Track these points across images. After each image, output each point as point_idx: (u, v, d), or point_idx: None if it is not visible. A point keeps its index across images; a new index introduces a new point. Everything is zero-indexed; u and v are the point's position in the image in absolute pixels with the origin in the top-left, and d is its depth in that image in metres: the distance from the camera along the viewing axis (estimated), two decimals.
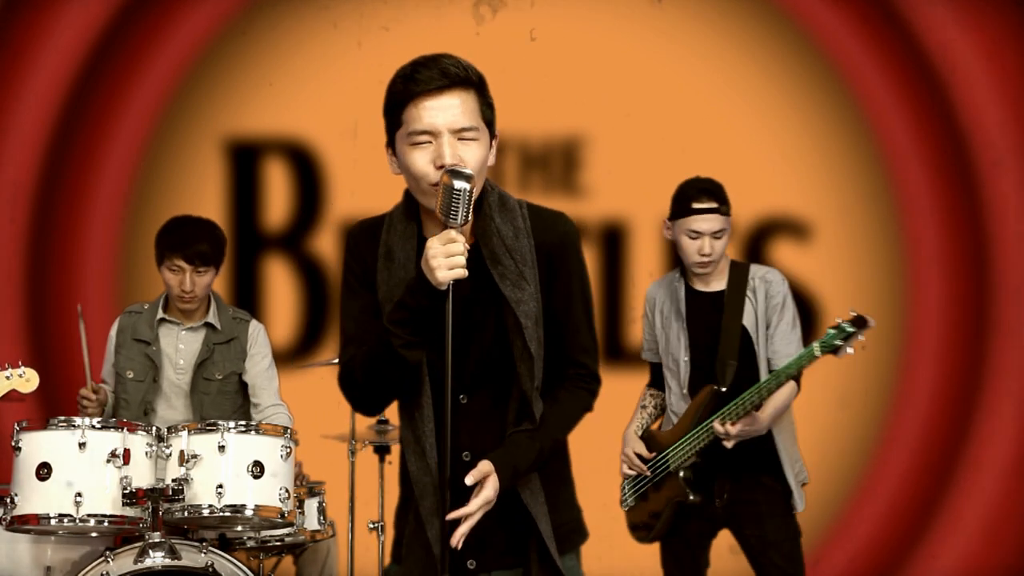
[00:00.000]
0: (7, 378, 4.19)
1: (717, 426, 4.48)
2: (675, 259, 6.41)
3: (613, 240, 6.63)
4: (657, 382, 4.93)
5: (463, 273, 2.78)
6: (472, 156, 2.86)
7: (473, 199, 2.78)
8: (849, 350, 4.47)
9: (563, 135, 6.67)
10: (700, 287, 4.74)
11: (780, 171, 6.63)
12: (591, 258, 6.62)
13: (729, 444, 4.49)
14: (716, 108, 6.63)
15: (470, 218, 2.79)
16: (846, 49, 6.61)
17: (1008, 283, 6.55)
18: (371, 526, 5.59)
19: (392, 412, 3.08)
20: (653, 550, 4.82)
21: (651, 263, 6.60)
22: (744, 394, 4.49)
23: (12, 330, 6.56)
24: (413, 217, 2.97)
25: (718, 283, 4.73)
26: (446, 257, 2.76)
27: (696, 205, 4.64)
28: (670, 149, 6.53)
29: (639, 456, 4.75)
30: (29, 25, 6.61)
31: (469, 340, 2.87)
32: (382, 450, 5.71)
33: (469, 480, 2.82)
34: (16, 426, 4.43)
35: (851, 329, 4.45)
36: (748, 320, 4.64)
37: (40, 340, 6.56)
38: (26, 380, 4.24)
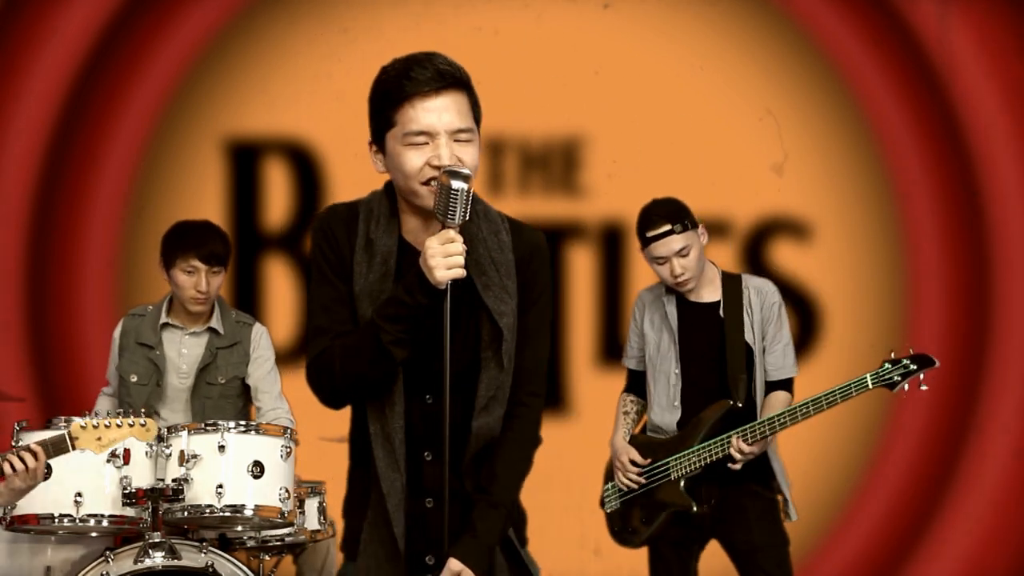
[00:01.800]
0: (130, 426, 4.09)
1: (736, 443, 4.45)
2: None
3: (613, 240, 6.62)
4: (635, 389, 4.88)
5: (462, 273, 2.78)
6: (469, 156, 2.86)
7: (471, 199, 2.79)
8: (906, 387, 4.43)
9: (563, 135, 6.66)
10: (692, 298, 4.70)
11: (780, 171, 6.62)
12: (591, 258, 6.62)
13: (738, 465, 4.47)
14: (716, 108, 6.62)
15: (467, 218, 2.80)
16: (846, 49, 6.61)
17: (1009, 283, 6.55)
18: None
19: None
20: (640, 554, 4.80)
21: None
22: (774, 415, 4.48)
23: (12, 330, 6.55)
24: (395, 213, 2.94)
25: (710, 294, 4.70)
26: (444, 257, 2.76)
27: (649, 233, 4.60)
28: (670, 149, 6.52)
29: (634, 463, 4.72)
30: (29, 25, 6.60)
31: (443, 343, 2.84)
32: None
33: None
34: (16, 426, 4.44)
35: (913, 367, 4.41)
36: (748, 335, 4.62)
37: (40, 340, 6.56)
38: (146, 430, 4.13)
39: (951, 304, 6.58)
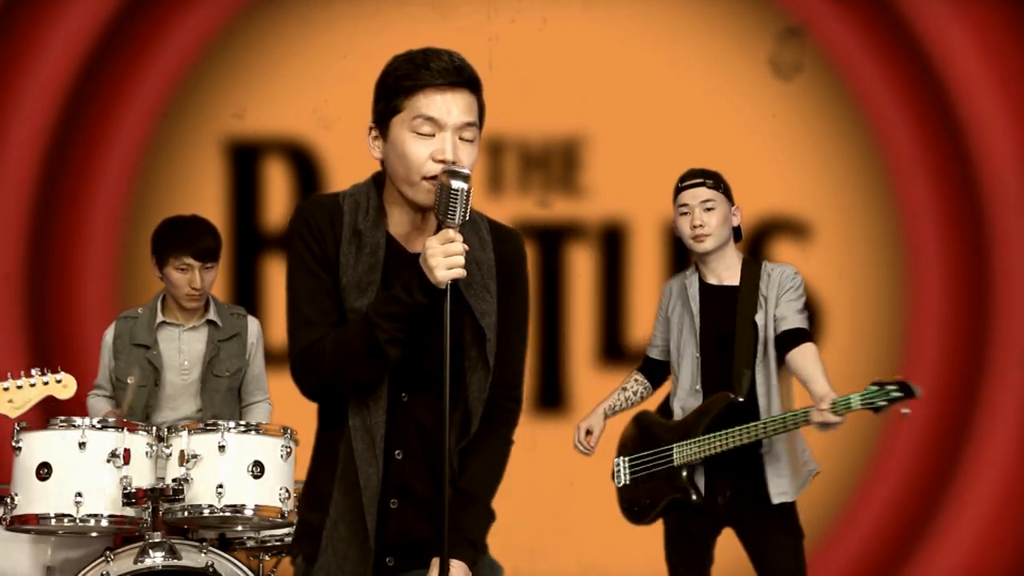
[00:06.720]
0: (44, 383, 4.03)
1: (817, 416, 4.42)
2: (678, 259, 6.44)
3: (613, 240, 6.63)
4: (648, 372, 4.98)
5: (462, 273, 2.78)
6: (468, 157, 2.86)
7: (470, 199, 2.79)
8: (905, 409, 4.44)
9: (563, 135, 6.67)
10: (712, 280, 4.75)
11: (780, 171, 6.63)
12: (591, 258, 6.62)
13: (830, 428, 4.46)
14: (716, 108, 6.62)
15: (467, 217, 2.80)
16: (846, 49, 6.61)
17: (1009, 283, 6.55)
18: None
19: None
20: (646, 551, 4.81)
21: (651, 263, 6.60)
22: (768, 421, 4.51)
23: (12, 330, 6.55)
24: (382, 205, 2.94)
25: (730, 277, 4.74)
26: (445, 256, 2.76)
27: (681, 182, 4.76)
28: (670, 149, 6.51)
29: (590, 434, 4.89)
30: (29, 25, 6.61)
31: (426, 343, 2.85)
32: None
33: None
34: (16, 426, 4.44)
35: (897, 394, 4.41)
36: (760, 317, 4.65)
37: (40, 340, 6.56)
38: (63, 386, 4.05)
39: (951, 304, 6.58)
